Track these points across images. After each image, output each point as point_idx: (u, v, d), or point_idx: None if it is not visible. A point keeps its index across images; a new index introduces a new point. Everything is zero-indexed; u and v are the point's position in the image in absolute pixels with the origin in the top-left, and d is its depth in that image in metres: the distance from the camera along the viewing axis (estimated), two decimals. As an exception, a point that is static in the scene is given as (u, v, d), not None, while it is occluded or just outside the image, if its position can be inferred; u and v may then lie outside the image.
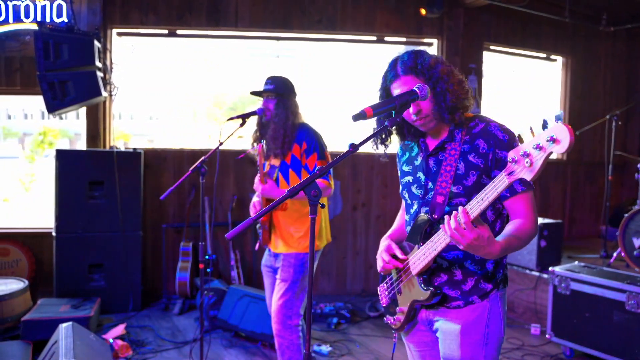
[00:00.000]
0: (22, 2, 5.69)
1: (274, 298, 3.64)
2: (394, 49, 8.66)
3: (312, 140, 3.57)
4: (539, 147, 1.57)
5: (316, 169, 1.96)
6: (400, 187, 2.40)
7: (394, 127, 2.27)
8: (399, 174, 2.42)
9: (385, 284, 2.34)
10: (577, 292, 4.54)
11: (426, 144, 2.24)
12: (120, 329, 4.85)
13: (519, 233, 1.98)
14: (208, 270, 5.63)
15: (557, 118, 1.82)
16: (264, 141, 3.57)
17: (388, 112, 2.00)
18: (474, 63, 6.74)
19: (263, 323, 4.80)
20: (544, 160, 1.58)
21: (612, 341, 4.27)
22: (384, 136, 2.29)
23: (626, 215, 5.23)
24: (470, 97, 2.14)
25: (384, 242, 2.32)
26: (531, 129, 1.64)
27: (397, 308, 2.24)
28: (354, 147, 1.94)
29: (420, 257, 2.07)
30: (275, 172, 3.65)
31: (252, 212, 3.74)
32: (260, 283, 6.21)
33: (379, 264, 2.26)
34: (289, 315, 3.57)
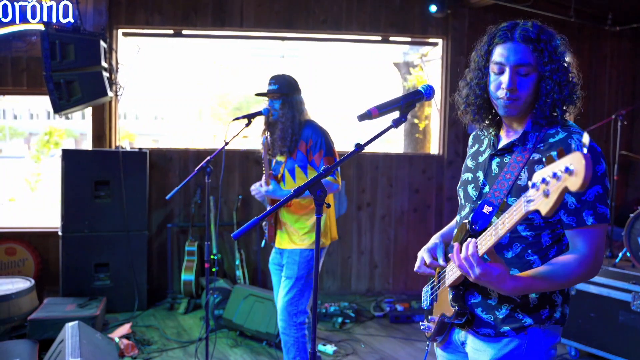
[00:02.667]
0: (29, 2, 5.72)
1: (279, 295, 3.65)
2: (398, 48, 8.67)
3: (318, 137, 3.58)
4: (556, 177, 1.29)
5: (322, 168, 1.95)
6: (459, 183, 2.10)
7: (472, 104, 1.93)
8: (463, 168, 2.13)
9: (427, 287, 2.15)
10: (582, 292, 4.53)
11: (496, 139, 1.96)
12: (126, 328, 4.87)
13: (553, 274, 1.68)
14: (213, 269, 5.64)
15: (579, 146, 1.63)
16: (268, 134, 3.57)
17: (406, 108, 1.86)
18: (479, 63, 6.72)
19: (268, 322, 4.81)
20: (559, 193, 1.28)
21: (617, 341, 4.26)
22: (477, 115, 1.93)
23: (632, 215, 5.21)
24: (577, 95, 1.82)
25: (433, 240, 2.10)
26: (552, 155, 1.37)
27: (430, 316, 2.07)
28: (359, 147, 1.94)
29: (454, 268, 1.83)
30: (281, 168, 3.67)
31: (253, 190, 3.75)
32: (265, 283, 6.23)
33: (417, 263, 2.04)
34: (294, 312, 3.58)
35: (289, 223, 3.64)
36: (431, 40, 6.85)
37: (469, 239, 1.63)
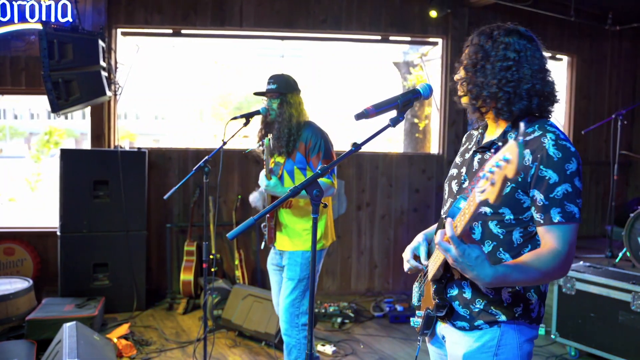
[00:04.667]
0: (27, 2, 5.70)
1: (281, 297, 3.63)
2: (398, 48, 8.67)
3: (317, 139, 3.57)
4: (498, 166, 1.36)
5: (318, 167, 1.95)
6: (446, 178, 2.17)
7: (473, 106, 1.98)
8: (452, 164, 2.19)
9: (416, 283, 2.19)
10: (582, 292, 4.51)
11: (482, 137, 2.05)
12: (124, 329, 4.86)
13: (528, 264, 1.70)
14: (212, 270, 5.63)
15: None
16: (270, 135, 3.55)
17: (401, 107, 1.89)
18: (479, 62, 6.71)
19: (267, 323, 4.80)
20: (502, 181, 1.35)
21: (617, 341, 4.24)
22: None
23: (632, 215, 5.20)
24: (551, 94, 1.89)
25: (417, 239, 2.10)
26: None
27: (418, 311, 2.13)
28: (356, 146, 1.93)
29: (433, 262, 1.91)
30: (280, 169, 3.65)
31: (250, 199, 3.75)
32: (264, 283, 6.21)
33: (404, 264, 2.10)
34: (296, 314, 3.56)
35: (290, 225, 3.62)
36: (431, 39, 6.84)
37: (448, 219, 1.63)
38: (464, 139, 2.22)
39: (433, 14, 6.30)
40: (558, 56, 7.63)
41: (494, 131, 1.98)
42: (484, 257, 1.61)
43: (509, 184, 1.67)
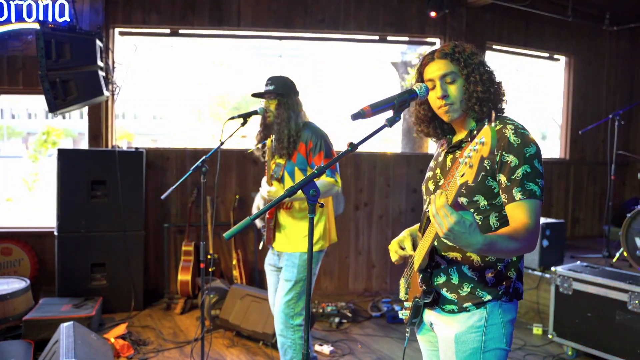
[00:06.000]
0: (25, 1, 5.69)
1: (278, 297, 3.64)
2: (396, 48, 8.67)
3: (318, 139, 3.57)
4: (475, 150, 1.55)
5: (315, 168, 1.96)
6: (423, 181, 2.37)
7: (423, 121, 2.27)
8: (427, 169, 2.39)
9: (404, 277, 2.34)
10: (579, 292, 4.52)
11: (451, 141, 2.24)
12: (121, 329, 4.86)
13: (509, 234, 1.87)
14: (211, 269, 5.63)
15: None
16: (273, 137, 3.55)
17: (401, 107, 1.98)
18: (477, 62, 6.72)
19: (264, 323, 4.80)
20: (479, 162, 1.54)
21: (614, 341, 4.25)
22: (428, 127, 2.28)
23: (629, 215, 5.21)
24: (501, 93, 2.14)
25: (401, 234, 2.29)
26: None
27: (405, 302, 2.28)
28: (352, 146, 1.94)
29: (419, 252, 2.07)
30: (281, 170, 3.65)
31: (254, 211, 3.75)
32: (262, 283, 6.21)
33: (391, 255, 2.26)
34: (291, 315, 3.57)
35: (289, 226, 3.63)
36: (429, 39, 6.85)
37: (438, 191, 1.72)
38: (437, 148, 2.40)
39: (432, 14, 6.30)
40: (555, 56, 7.65)
41: (460, 133, 2.20)
42: (475, 225, 1.71)
43: (485, 166, 1.98)
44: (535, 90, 9.38)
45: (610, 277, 4.42)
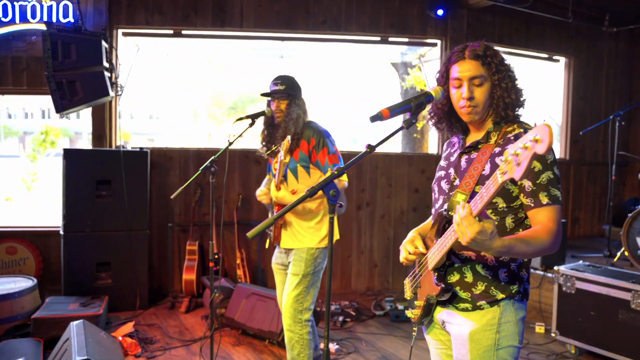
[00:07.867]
0: (29, 2, 5.72)
1: (285, 292, 3.68)
2: (396, 49, 8.71)
3: (320, 136, 3.62)
4: (525, 148, 1.56)
5: (334, 168, 2.00)
6: (433, 180, 2.41)
7: (441, 118, 2.29)
8: (437, 168, 2.42)
9: (409, 277, 2.37)
10: (582, 290, 4.58)
11: (464, 141, 2.27)
12: (129, 327, 4.89)
13: (528, 238, 1.93)
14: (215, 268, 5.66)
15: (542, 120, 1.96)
16: (289, 138, 3.59)
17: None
18: (478, 63, 6.76)
19: (270, 321, 4.84)
20: (529, 159, 1.55)
21: (617, 339, 4.31)
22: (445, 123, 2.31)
23: (630, 215, 5.27)
24: (524, 100, 2.19)
25: (411, 234, 2.32)
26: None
27: (416, 302, 2.29)
28: (370, 147, 1.99)
29: (435, 252, 2.10)
30: (284, 168, 3.69)
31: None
32: (265, 282, 6.26)
33: (402, 255, 2.29)
34: (299, 309, 3.61)
35: (295, 223, 3.67)
36: (430, 40, 6.89)
37: (461, 202, 1.80)
38: (444, 147, 2.46)
39: (440, 11, 6.34)
40: (555, 57, 7.70)
41: (477, 134, 2.22)
42: (496, 232, 1.78)
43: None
44: (535, 91, 9.43)
45: (613, 276, 4.47)
